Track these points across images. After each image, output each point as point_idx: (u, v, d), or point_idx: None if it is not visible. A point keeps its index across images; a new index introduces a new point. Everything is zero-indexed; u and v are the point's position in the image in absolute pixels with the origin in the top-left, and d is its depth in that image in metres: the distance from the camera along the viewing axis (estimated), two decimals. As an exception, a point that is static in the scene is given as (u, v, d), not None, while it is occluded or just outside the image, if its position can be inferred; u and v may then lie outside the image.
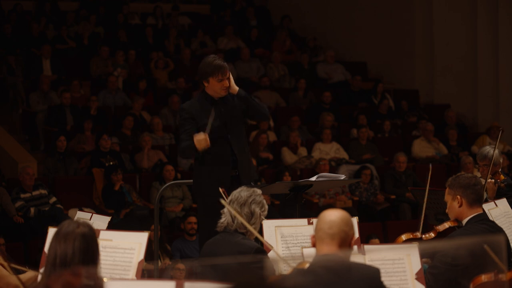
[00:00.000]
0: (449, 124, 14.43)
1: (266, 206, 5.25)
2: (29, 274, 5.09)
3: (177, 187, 11.30)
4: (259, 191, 5.25)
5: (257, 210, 5.16)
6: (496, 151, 7.10)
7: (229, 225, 5.14)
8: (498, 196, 6.70)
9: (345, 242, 4.00)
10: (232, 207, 5.13)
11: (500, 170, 7.16)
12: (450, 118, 14.57)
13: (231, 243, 5.07)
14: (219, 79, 6.46)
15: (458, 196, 5.16)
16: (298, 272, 4.08)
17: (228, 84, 6.52)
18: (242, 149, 6.55)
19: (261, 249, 5.13)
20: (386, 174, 12.49)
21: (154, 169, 11.93)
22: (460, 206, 5.16)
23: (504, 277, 4.24)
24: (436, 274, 4.94)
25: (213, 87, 6.50)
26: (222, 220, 5.18)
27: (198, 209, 6.95)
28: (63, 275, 3.22)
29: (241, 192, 5.21)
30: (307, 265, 4.04)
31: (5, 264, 4.54)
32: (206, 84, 6.53)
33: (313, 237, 4.07)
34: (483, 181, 6.98)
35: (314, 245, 4.07)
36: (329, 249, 3.98)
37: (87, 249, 3.83)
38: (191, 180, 6.75)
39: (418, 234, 5.45)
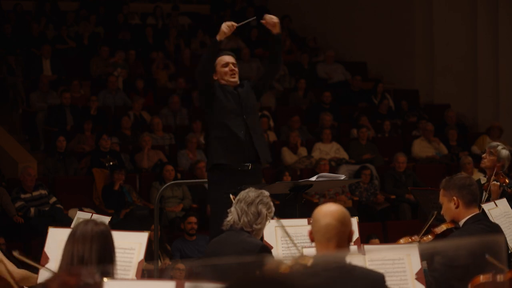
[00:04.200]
0: (449, 124, 14.42)
1: (273, 208, 5.29)
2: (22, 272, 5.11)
3: (177, 187, 11.30)
4: (267, 193, 5.30)
5: (264, 210, 5.20)
6: (507, 151, 7.05)
7: (235, 224, 5.17)
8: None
9: (344, 240, 3.95)
10: (240, 206, 5.17)
11: (502, 171, 7.09)
12: (450, 118, 14.56)
13: (236, 241, 5.11)
14: (225, 62, 6.60)
15: (454, 197, 5.10)
16: (301, 272, 4.02)
17: (235, 69, 6.65)
18: (258, 129, 6.71)
19: (266, 247, 5.20)
20: (386, 174, 12.49)
21: (154, 169, 11.93)
22: (456, 207, 5.10)
23: (502, 277, 4.23)
24: (437, 275, 4.93)
25: (222, 75, 6.63)
26: (228, 219, 5.22)
27: (210, 204, 7.02)
28: (60, 276, 3.24)
29: (249, 192, 5.27)
30: (310, 260, 3.97)
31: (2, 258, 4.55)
32: (215, 77, 6.65)
33: (311, 233, 3.98)
34: (484, 180, 6.96)
35: (312, 241, 4.01)
36: (329, 249, 3.93)
37: (105, 248, 3.87)
38: (191, 180, 6.78)
39: (416, 238, 5.42)
